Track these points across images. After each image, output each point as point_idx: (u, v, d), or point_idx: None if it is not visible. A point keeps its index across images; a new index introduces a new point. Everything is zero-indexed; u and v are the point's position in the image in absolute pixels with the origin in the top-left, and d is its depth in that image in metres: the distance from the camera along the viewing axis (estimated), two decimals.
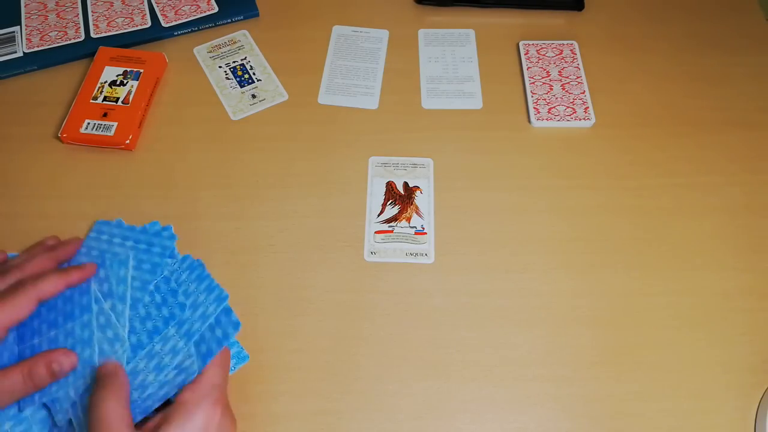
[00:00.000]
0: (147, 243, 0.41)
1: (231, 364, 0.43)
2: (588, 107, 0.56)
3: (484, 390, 0.43)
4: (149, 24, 0.60)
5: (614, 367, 0.44)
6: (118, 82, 0.55)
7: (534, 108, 0.56)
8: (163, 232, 0.42)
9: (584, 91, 0.57)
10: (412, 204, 0.51)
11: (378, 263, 0.48)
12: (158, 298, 0.39)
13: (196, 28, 0.61)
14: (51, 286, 0.39)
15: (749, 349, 0.45)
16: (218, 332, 0.37)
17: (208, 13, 0.61)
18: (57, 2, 0.62)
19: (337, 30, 0.62)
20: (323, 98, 0.57)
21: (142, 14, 0.61)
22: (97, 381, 0.36)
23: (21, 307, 0.37)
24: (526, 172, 0.53)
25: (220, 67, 0.59)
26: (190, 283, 0.39)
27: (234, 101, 0.56)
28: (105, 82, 0.55)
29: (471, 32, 0.62)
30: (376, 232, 0.49)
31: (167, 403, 0.36)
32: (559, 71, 0.58)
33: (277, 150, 0.54)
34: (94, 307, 0.39)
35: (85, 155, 0.53)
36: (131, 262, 0.40)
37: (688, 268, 0.48)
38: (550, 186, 0.52)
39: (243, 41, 0.60)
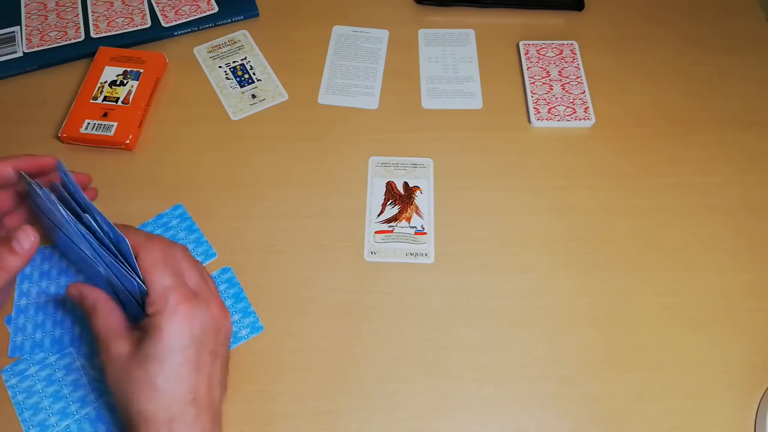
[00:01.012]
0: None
1: (244, 333, 0.43)
2: (588, 107, 0.56)
3: (484, 390, 0.43)
4: (149, 24, 0.60)
5: (614, 367, 0.44)
6: (118, 82, 0.55)
7: (534, 108, 0.56)
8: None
9: (584, 91, 0.57)
10: (412, 204, 0.51)
11: (378, 263, 0.48)
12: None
13: (196, 28, 0.61)
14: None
15: (749, 349, 0.45)
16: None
17: (208, 13, 0.61)
18: (57, 2, 0.62)
19: (337, 30, 0.62)
20: (323, 98, 0.57)
21: (142, 14, 0.61)
22: (84, 314, 0.38)
23: None
24: (526, 172, 0.53)
25: (220, 67, 0.59)
26: (180, 231, 0.47)
27: (234, 101, 0.56)
28: (105, 82, 0.55)
29: (471, 32, 0.62)
30: (376, 232, 0.49)
31: None
32: (559, 71, 0.58)
33: (277, 150, 0.54)
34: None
35: (85, 155, 0.53)
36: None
37: (688, 268, 0.48)
38: (550, 186, 0.52)
39: (243, 41, 0.60)
